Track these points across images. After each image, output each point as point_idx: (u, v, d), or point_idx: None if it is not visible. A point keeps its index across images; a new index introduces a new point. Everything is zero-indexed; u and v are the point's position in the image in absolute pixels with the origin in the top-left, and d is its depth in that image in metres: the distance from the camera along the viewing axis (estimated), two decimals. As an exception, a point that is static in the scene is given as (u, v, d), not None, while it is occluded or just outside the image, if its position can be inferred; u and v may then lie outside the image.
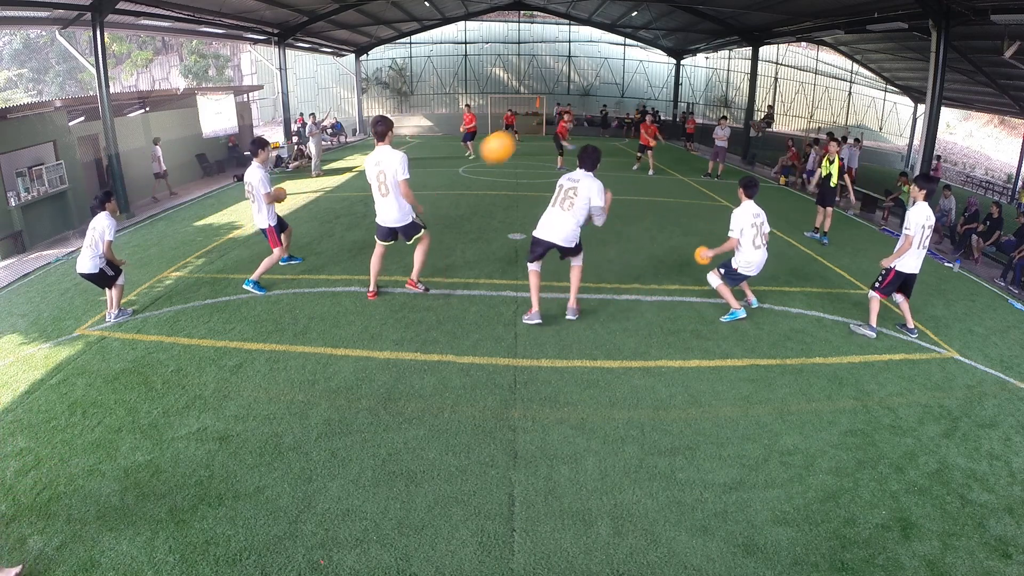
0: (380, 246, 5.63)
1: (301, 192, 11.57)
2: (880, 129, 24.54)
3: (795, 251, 8.01)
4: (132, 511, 3.07)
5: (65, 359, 4.69)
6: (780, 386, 4.45)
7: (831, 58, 22.54)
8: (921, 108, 17.89)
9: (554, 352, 4.84)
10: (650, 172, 13.86)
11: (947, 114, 24.91)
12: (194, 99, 14.24)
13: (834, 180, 8.41)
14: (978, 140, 28.51)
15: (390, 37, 23.34)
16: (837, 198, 8.75)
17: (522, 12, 23.91)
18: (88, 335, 5.13)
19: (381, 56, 24.92)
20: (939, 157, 19.65)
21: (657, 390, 4.33)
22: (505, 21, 25.36)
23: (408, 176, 5.18)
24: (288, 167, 14.86)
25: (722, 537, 2.99)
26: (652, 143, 13.95)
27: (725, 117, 15.33)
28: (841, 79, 23.29)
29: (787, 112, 23.91)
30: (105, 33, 9.59)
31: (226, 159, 15.19)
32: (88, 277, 5.24)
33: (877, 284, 5.35)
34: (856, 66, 21.43)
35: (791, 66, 23.28)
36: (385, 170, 5.14)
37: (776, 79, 22.95)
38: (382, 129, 5.17)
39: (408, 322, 5.34)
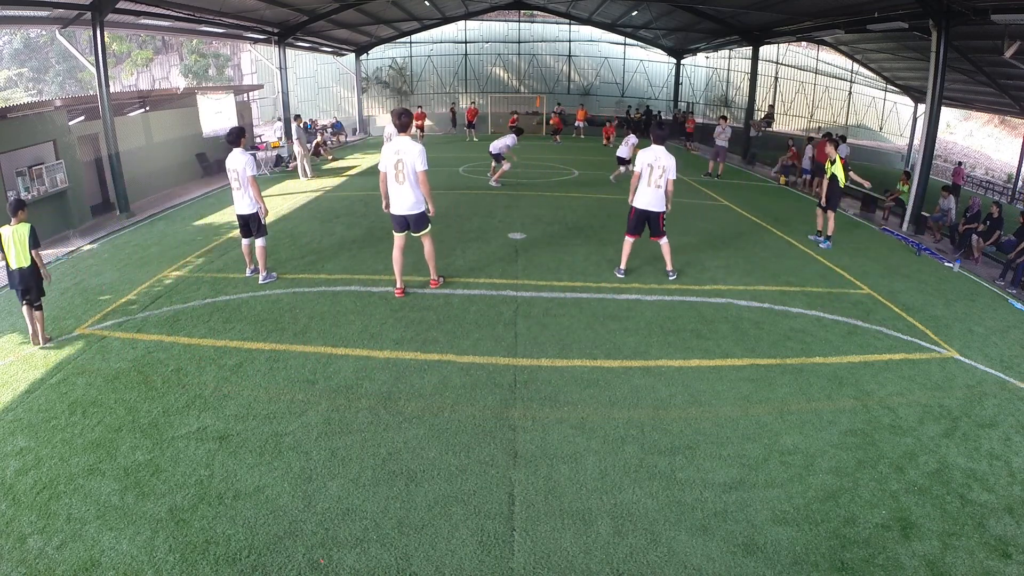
0: (398, 238, 5.77)
1: (301, 192, 11.58)
2: (880, 129, 24.55)
3: (795, 251, 8.00)
4: (132, 510, 3.07)
5: (65, 358, 4.69)
6: (780, 386, 4.45)
7: (831, 58, 22.54)
8: (921, 108, 17.88)
9: (554, 352, 4.84)
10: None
11: (947, 114, 24.94)
12: (194, 98, 14.22)
13: (842, 181, 8.17)
14: (978, 140, 28.53)
15: (390, 36, 23.34)
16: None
17: (522, 11, 23.92)
18: (88, 334, 5.13)
19: (381, 55, 24.91)
20: (960, 163, 19.70)
21: (657, 390, 4.33)
22: (505, 20, 25.35)
23: (427, 168, 5.50)
24: (288, 166, 14.87)
25: (722, 537, 2.99)
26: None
27: (725, 117, 15.30)
28: (841, 79, 23.29)
29: (787, 112, 23.91)
30: (105, 32, 9.58)
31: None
32: (246, 219, 6.21)
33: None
34: (856, 66, 21.44)
35: (791, 66, 23.27)
36: (404, 159, 5.43)
37: (776, 79, 22.95)
38: (405, 120, 5.48)
39: (408, 321, 5.34)
